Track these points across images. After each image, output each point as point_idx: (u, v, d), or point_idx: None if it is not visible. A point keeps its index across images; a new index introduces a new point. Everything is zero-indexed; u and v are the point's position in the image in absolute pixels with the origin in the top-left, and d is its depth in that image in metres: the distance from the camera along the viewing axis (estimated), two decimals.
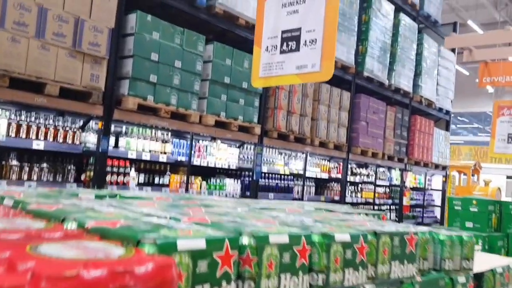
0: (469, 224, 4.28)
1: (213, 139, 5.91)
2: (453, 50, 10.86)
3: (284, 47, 3.06)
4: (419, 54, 9.26)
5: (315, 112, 6.92)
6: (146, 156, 5.02)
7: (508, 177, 25.82)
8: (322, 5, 2.86)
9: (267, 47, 3.18)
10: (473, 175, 15.71)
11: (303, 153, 7.00)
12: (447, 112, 10.71)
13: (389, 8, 8.19)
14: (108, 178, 4.71)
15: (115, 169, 4.79)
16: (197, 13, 5.20)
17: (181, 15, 5.21)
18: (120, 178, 4.81)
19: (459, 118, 30.80)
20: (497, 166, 26.42)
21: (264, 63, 3.15)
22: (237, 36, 5.68)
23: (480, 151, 28.68)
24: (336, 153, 7.49)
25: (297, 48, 2.98)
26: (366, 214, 2.08)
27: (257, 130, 5.94)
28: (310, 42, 2.91)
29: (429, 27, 9.93)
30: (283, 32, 3.11)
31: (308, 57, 2.89)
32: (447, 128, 11.03)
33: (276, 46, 3.12)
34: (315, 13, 2.90)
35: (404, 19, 8.62)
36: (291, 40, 3.03)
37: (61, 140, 4.33)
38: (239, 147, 6.17)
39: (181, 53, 5.00)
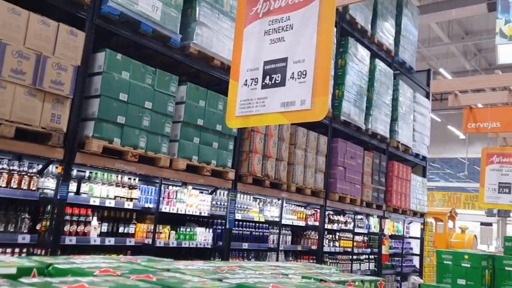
0: (461, 282, 4.02)
1: (184, 184, 5.61)
2: (427, 97, 11.01)
3: (267, 81, 2.67)
4: (395, 100, 9.30)
5: (292, 157, 6.73)
6: (110, 203, 4.67)
7: (482, 224, 26.02)
8: (314, 32, 2.50)
9: (246, 80, 2.78)
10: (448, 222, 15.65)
11: (279, 199, 6.74)
12: (424, 158, 10.71)
13: (365, 54, 8.25)
14: (66, 227, 4.32)
15: (75, 218, 4.41)
16: (171, 53, 5.03)
17: (155, 55, 5.04)
18: (80, 228, 4.42)
19: (431, 164, 31.26)
20: (471, 213, 26.65)
21: (242, 100, 2.76)
22: (212, 77, 5.52)
23: (453, 197, 29.01)
24: (313, 200, 7.26)
25: (283, 82, 2.58)
26: (362, 282, 1.80)
27: (231, 175, 5.68)
28: (298, 74, 2.52)
29: (404, 73, 10.07)
30: (265, 63, 2.72)
31: (296, 92, 2.51)
32: (423, 175, 11.01)
33: (257, 79, 2.73)
34: (305, 41, 2.54)
35: (380, 64, 8.69)
36: (275, 72, 2.64)
37: (15, 186, 3.97)
38: (211, 193, 5.88)
39: (152, 94, 4.77)
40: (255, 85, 2.74)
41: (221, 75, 5.55)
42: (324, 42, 2.48)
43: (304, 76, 2.50)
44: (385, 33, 8.99)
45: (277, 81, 2.63)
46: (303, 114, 2.48)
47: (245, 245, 6.14)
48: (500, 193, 6.89)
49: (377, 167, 8.83)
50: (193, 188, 5.64)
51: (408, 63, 9.91)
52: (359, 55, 8.02)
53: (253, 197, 6.50)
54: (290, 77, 2.57)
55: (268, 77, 2.68)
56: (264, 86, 2.69)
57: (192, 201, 5.54)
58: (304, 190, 6.97)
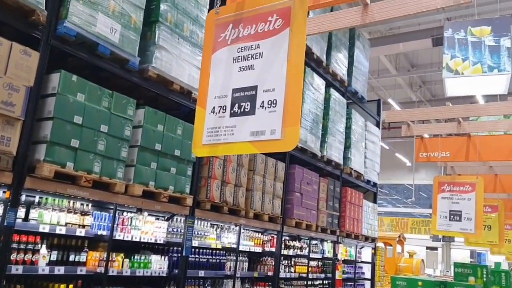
0: None
1: (139, 210, 5.38)
2: (378, 125, 11.30)
3: (236, 109, 2.57)
4: (348, 128, 9.47)
5: (250, 183, 6.64)
6: (61, 230, 4.38)
7: (427, 248, 26.73)
8: (284, 61, 2.45)
9: (214, 108, 2.68)
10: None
11: (236, 225, 6.59)
12: (374, 184, 10.91)
13: (320, 83, 8.38)
14: (13, 256, 4.00)
15: (22, 246, 4.09)
16: (129, 76, 4.87)
17: (112, 78, 4.86)
18: (28, 256, 4.11)
19: (380, 189, 32.06)
20: (417, 237, 27.38)
21: (210, 128, 2.65)
22: (171, 101, 5.39)
23: (400, 222, 29.75)
24: (270, 226, 7.16)
25: (252, 111, 2.50)
26: None
27: (189, 201, 5.51)
28: (268, 103, 2.44)
29: (356, 102, 10.30)
30: (234, 90, 2.62)
31: (266, 121, 2.43)
32: (374, 200, 11.19)
33: (225, 107, 2.63)
34: (275, 69, 2.47)
35: (334, 94, 8.85)
36: (244, 100, 2.55)
37: None
38: (168, 219, 5.67)
39: (108, 117, 4.57)
40: (223, 112, 2.66)
41: (180, 100, 5.43)
42: (294, 72, 2.44)
43: (274, 105, 2.45)
44: (339, 63, 9.20)
45: (246, 110, 2.56)
46: (273, 144, 2.41)
47: (202, 273, 5.92)
48: (451, 221, 7.08)
49: (331, 193, 8.88)
50: (149, 215, 5.41)
51: (360, 93, 10.17)
52: (315, 84, 8.13)
53: (210, 224, 6.32)
54: (260, 106, 2.51)
55: (237, 105, 2.61)
56: (233, 114, 2.62)
57: (148, 228, 5.31)
58: (262, 216, 6.87)
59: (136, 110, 4.95)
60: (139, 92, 5.16)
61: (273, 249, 7.40)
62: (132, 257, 5.12)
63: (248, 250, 6.91)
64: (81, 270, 4.54)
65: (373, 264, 11.05)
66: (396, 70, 17.56)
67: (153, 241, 5.33)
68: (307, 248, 8.39)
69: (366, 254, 11.19)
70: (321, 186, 8.47)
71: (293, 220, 7.51)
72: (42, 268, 4.21)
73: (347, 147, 9.37)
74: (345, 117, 9.35)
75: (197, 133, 2.76)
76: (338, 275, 9.39)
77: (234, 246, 6.56)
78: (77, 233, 4.53)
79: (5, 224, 3.83)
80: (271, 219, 7.15)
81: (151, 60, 4.94)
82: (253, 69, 2.61)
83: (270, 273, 7.26)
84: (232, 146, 2.58)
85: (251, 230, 7.14)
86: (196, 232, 5.88)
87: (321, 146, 8.37)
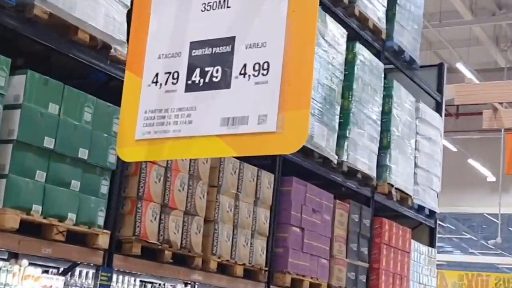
0: None
1: (15, 256, 5.43)
2: (439, 110, 11.45)
3: (196, 78, 2.58)
4: (385, 113, 9.59)
5: (212, 208, 6.74)
6: None
7: None
8: None
9: (157, 75, 2.68)
10: None
11: (186, 284, 6.73)
12: (432, 214, 11.08)
13: (338, 33, 8.47)
14: None
15: None
16: (1, 17, 4.90)
17: None
18: None
19: (440, 223, 32.49)
20: None
21: (150, 110, 2.65)
22: (74, 62, 5.46)
23: (476, 280, 30.21)
24: (247, 285, 7.28)
25: (225, 82, 2.51)
26: None
27: (103, 240, 5.61)
28: (255, 69, 2.44)
29: (401, 69, 10.47)
30: (193, 45, 2.63)
31: (251, 100, 2.44)
32: (431, 242, 11.37)
33: (177, 74, 2.63)
34: (266, 11, 2.47)
35: (363, 52, 8.97)
36: (211, 63, 2.55)
37: None
38: (65, 273, 5.76)
39: None
40: (173, 83, 2.69)
41: (90, 59, 5.50)
42: (301, 13, 2.45)
43: (265, 73, 2.47)
44: (371, 0, 9.31)
45: (214, 79, 2.58)
46: (263, 140, 2.44)
47: None
48: None
49: (355, 227, 9.02)
50: (30, 264, 5.46)
51: (407, 52, 10.32)
52: (329, 35, 8.22)
53: (140, 281, 6.41)
54: (240, 73, 2.53)
55: (198, 70, 2.63)
56: (191, 87, 2.64)
57: (28, 287, 5.37)
58: (233, 268, 6.98)
59: (11, 77, 4.98)
60: (17, 46, 5.21)
61: None
62: None
63: None
64: None
65: None
66: (471, 14, 17.84)
67: None
68: None
69: None
70: (337, 215, 8.60)
71: (287, 276, 7.63)
72: None
73: (383, 147, 9.52)
74: (381, 94, 9.48)
75: (126, 119, 2.80)
76: None
77: None
78: None
79: None
80: (248, 274, 7.27)
81: None
82: (227, 7, 2.63)
83: None
84: (190, 143, 2.61)
85: None
86: None
87: (338, 145, 8.48)
